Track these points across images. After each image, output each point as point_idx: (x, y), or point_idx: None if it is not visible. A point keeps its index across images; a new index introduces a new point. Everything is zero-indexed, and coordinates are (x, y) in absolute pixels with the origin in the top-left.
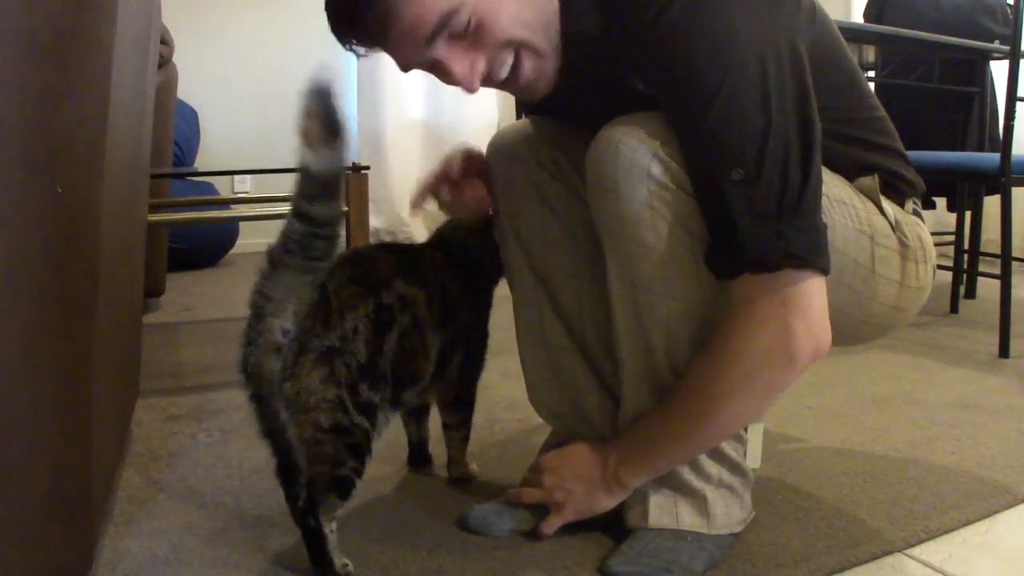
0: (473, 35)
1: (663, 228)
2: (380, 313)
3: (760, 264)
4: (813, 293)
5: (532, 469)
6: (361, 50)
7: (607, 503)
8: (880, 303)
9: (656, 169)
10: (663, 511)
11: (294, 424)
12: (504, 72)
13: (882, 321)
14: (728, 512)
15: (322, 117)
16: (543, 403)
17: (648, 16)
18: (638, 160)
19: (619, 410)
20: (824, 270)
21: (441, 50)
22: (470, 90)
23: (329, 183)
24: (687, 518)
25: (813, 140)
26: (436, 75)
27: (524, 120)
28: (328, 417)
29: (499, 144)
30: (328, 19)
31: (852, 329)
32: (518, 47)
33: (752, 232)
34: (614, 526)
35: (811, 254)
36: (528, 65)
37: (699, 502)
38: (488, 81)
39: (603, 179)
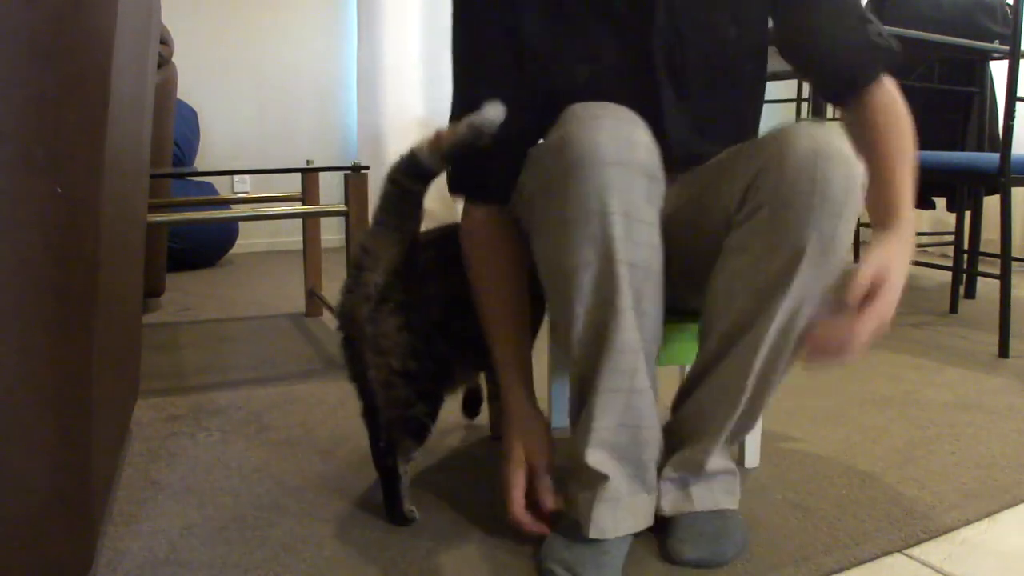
0: None
1: (848, 246)
2: (456, 287)
3: (892, 59)
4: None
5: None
6: None
7: (910, 248)
8: None
9: (863, 193)
10: (704, 494)
11: (373, 366)
12: None
13: None
14: (738, 489)
15: (462, 144)
16: (601, 450)
17: None
18: (856, 188)
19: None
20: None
21: None
22: None
23: (424, 174)
24: (722, 498)
25: None
26: None
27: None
28: (399, 361)
29: (614, 149)
30: None
31: None
32: None
33: (884, 42)
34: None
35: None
36: None
37: (728, 482)
38: None
39: (833, 202)
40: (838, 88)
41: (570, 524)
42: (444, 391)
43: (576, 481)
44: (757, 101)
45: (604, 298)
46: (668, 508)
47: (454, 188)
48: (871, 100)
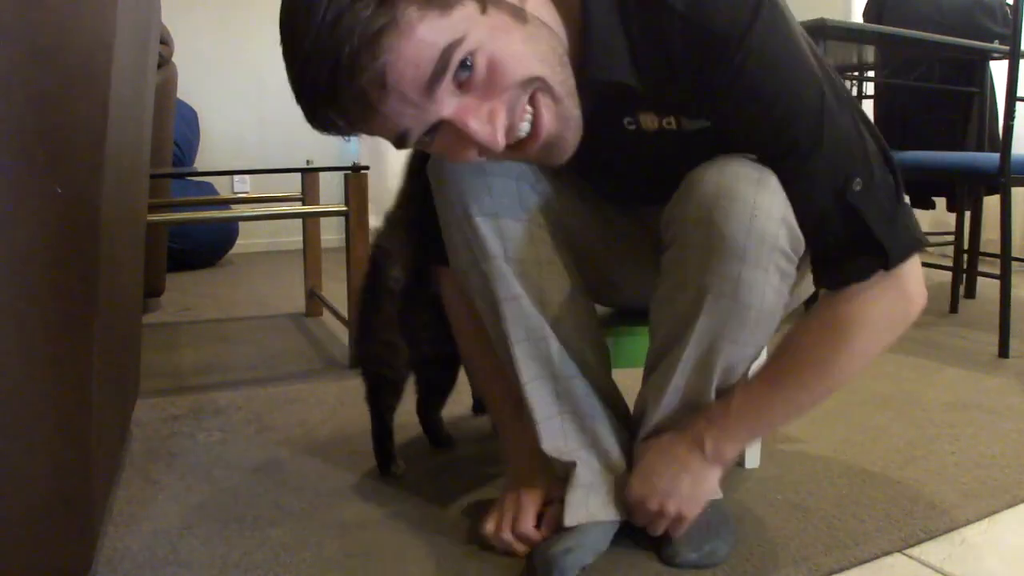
0: (485, 78)
1: (771, 291)
2: None
3: (897, 259)
4: (916, 259)
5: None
6: (344, 127)
7: (714, 483)
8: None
9: (783, 239)
10: None
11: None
12: (526, 123)
13: None
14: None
15: None
16: (555, 442)
17: (719, 60)
18: (770, 229)
19: (642, 417)
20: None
21: (449, 105)
22: (496, 147)
23: None
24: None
25: (876, 134)
26: (449, 147)
27: None
28: (428, 347)
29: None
30: (300, 98)
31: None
32: (536, 90)
33: (887, 233)
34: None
35: (920, 233)
36: (548, 113)
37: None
38: (509, 139)
39: (729, 241)
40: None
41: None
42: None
43: (553, 472)
44: None
45: (490, 294)
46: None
47: (425, 255)
48: (824, 309)
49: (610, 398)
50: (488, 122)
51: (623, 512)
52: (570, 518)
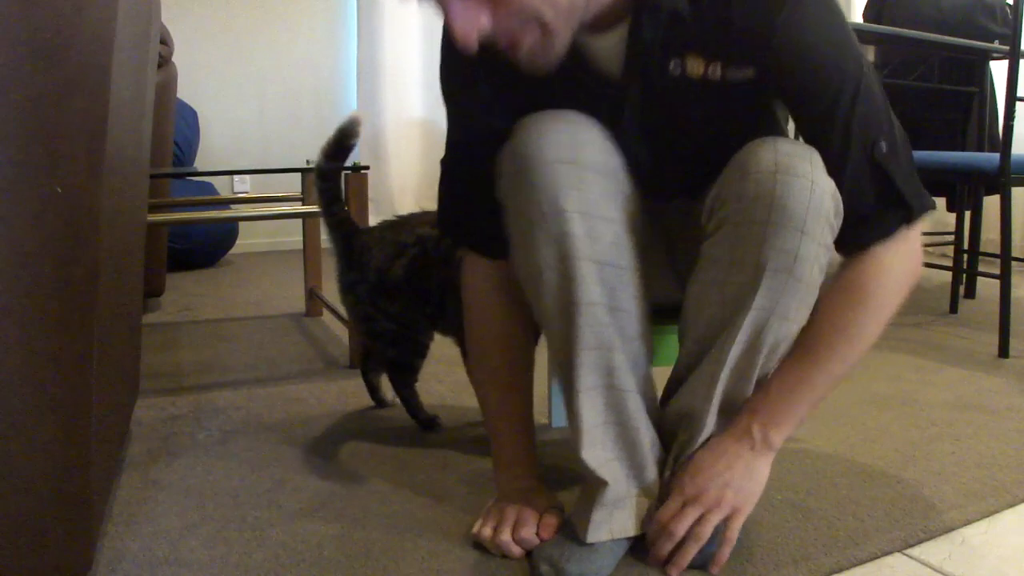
0: None
1: (818, 266)
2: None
3: (918, 215)
4: (917, 228)
5: (665, 512)
6: None
7: (766, 474)
8: None
9: (832, 213)
10: None
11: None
12: (504, 43)
13: None
14: None
15: (333, 143)
16: (595, 451)
17: (778, 9)
18: (825, 204)
19: (671, 407)
20: (927, 211)
21: None
22: (465, 47)
23: (321, 174)
24: None
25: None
26: (440, 12)
27: (561, 115)
28: (365, 327)
29: (561, 147)
30: None
31: None
32: (535, 23)
33: (910, 191)
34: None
35: (926, 200)
36: (532, 43)
37: None
38: (485, 38)
39: (791, 215)
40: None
41: (568, 525)
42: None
43: (585, 483)
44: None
45: (568, 296)
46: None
47: (447, 233)
48: (847, 272)
49: (653, 413)
50: (471, 25)
51: (641, 528)
52: (592, 535)
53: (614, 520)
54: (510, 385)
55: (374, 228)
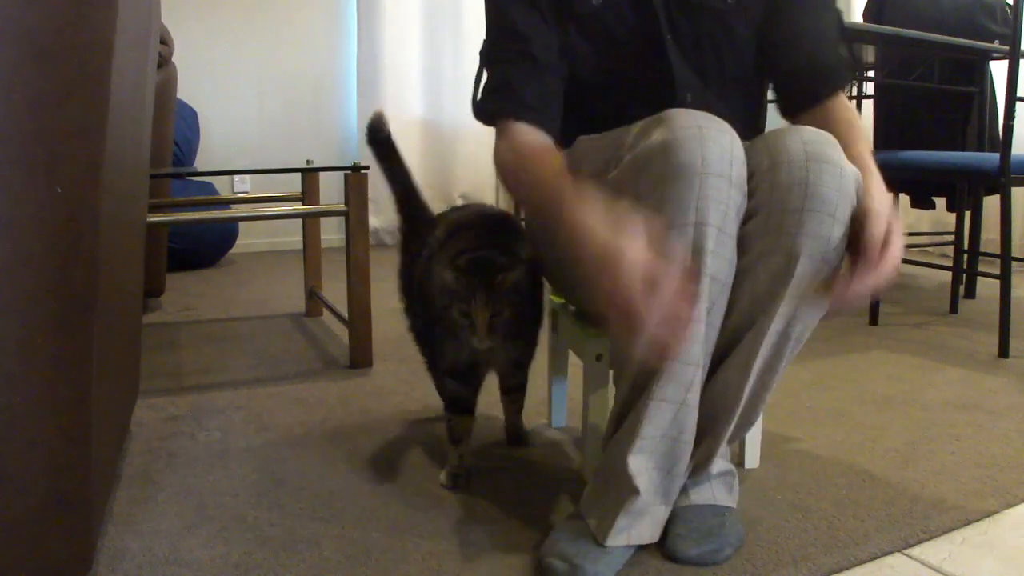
0: None
1: (843, 249)
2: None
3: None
4: None
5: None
6: None
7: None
8: None
9: (855, 197)
10: (701, 489)
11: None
12: None
13: None
14: (736, 489)
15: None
16: (643, 461)
17: None
18: (851, 189)
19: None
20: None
21: None
22: None
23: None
24: (719, 494)
25: None
26: None
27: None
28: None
29: (722, 161)
30: None
31: None
32: None
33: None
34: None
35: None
36: None
37: (727, 481)
38: None
39: (826, 203)
40: (802, 99)
41: (576, 522)
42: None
43: (603, 483)
44: (756, 89)
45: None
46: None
47: (487, 110)
48: (828, 112)
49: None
50: None
51: (657, 535)
52: (612, 539)
53: (635, 527)
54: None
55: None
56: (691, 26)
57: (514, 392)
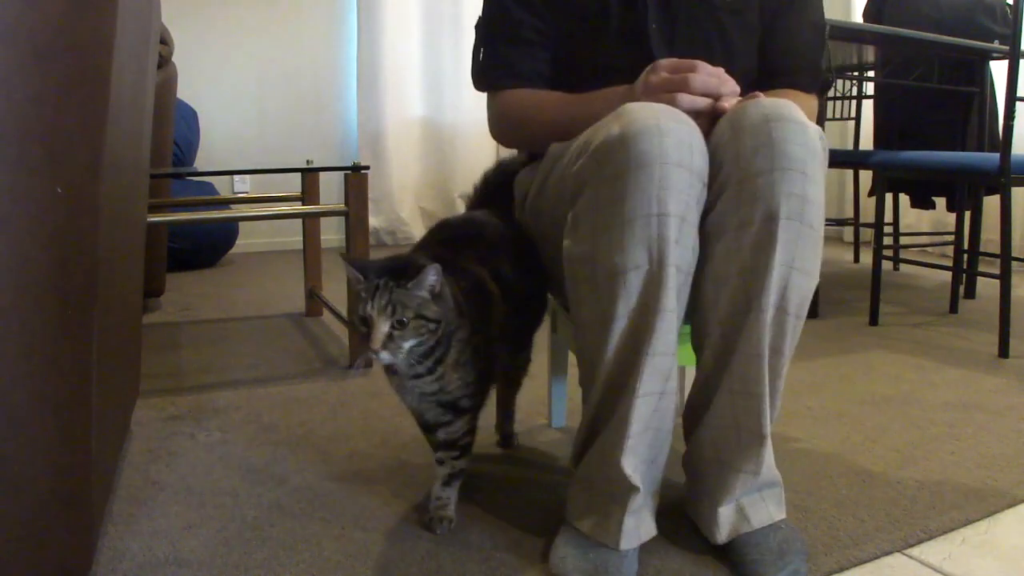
0: None
1: (822, 211)
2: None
3: (823, 89)
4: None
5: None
6: None
7: None
8: None
9: (822, 153)
10: (759, 510)
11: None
12: None
13: None
14: (783, 499)
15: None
16: (635, 459)
17: None
18: (817, 145)
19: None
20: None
21: None
22: None
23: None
24: (773, 510)
25: None
26: None
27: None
28: None
29: (681, 150)
30: None
31: None
32: None
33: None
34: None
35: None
36: None
37: (777, 493)
38: None
39: (794, 160)
40: (769, 79)
41: (572, 533)
42: None
43: (590, 490)
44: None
45: (650, 300)
46: (727, 534)
47: (486, 80)
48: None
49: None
50: None
51: (654, 529)
52: (625, 543)
53: (641, 525)
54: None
55: None
56: (686, 23)
57: (442, 449)
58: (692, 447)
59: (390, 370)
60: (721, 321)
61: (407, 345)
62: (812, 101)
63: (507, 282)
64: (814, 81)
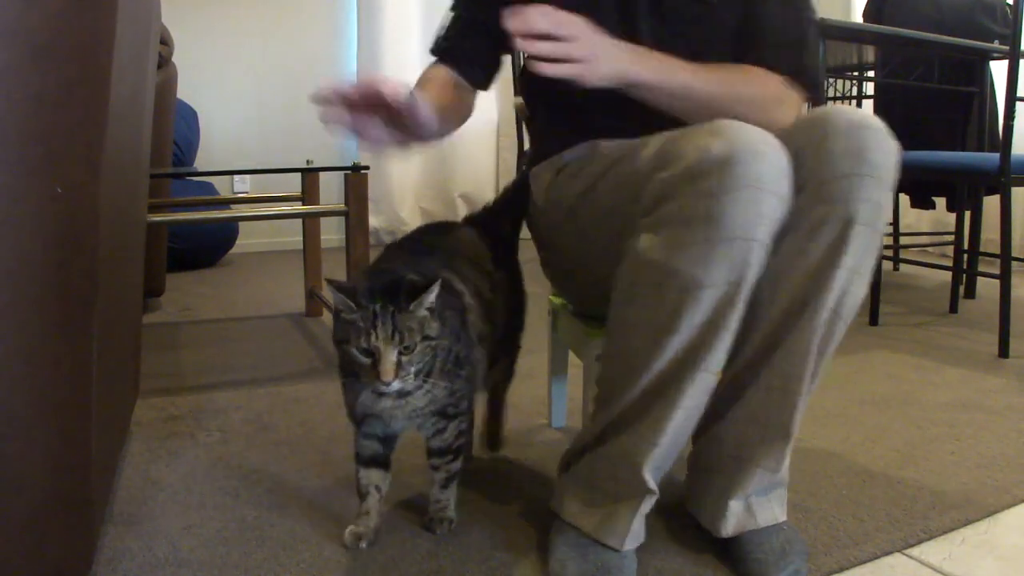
0: None
1: (887, 218)
2: None
3: (804, 82)
4: (800, 98)
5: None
6: None
7: (618, 66)
8: None
9: (896, 166)
10: (765, 509)
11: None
12: None
13: None
14: (785, 500)
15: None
16: (661, 469)
17: None
18: (895, 158)
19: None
20: (813, 97)
21: None
22: None
23: None
24: (778, 511)
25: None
26: None
27: None
28: None
29: (775, 178)
30: None
31: None
32: None
33: (812, 63)
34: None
35: (818, 85)
36: None
37: (781, 494)
38: None
39: (876, 167)
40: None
41: (571, 533)
42: None
43: (605, 489)
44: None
45: (717, 319)
46: (733, 528)
47: (435, 50)
48: (759, 71)
49: None
50: None
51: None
52: (630, 544)
53: (642, 527)
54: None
55: None
56: (670, 22)
57: (435, 456)
58: (706, 442)
59: (365, 404)
60: (773, 317)
61: (414, 369)
62: (781, 83)
63: (476, 286)
64: (787, 62)
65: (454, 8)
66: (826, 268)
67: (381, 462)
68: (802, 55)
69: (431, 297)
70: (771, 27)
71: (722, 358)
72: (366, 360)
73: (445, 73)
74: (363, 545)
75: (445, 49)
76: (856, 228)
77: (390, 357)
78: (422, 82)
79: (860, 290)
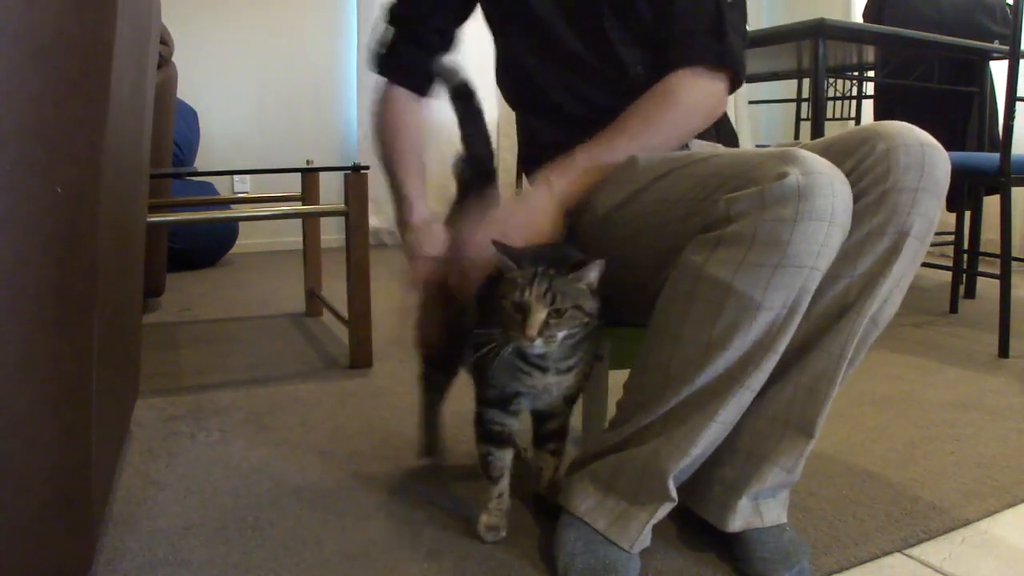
0: None
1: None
2: None
3: (731, 62)
4: (726, 82)
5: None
6: None
7: (549, 216)
8: None
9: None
10: (772, 509)
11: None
12: None
13: None
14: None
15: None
16: (681, 472)
17: None
18: (948, 180)
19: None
20: (739, 78)
21: None
22: None
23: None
24: (781, 511)
25: None
26: None
27: None
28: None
29: (844, 211)
30: None
31: None
32: None
33: (733, 41)
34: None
35: (743, 64)
36: None
37: (786, 496)
38: None
39: (938, 185)
40: (665, 66)
41: (582, 528)
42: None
43: (622, 491)
44: None
45: (768, 341)
46: (740, 525)
47: (376, 66)
48: (666, 82)
49: None
50: None
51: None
52: (639, 545)
53: (650, 531)
54: (413, 161)
55: None
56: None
57: (554, 440)
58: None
59: (523, 372)
60: (811, 318)
61: (561, 334)
62: (702, 77)
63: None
64: (706, 51)
65: (390, 22)
66: (876, 276)
67: (512, 442)
68: (722, 40)
69: (592, 274)
70: (683, 15)
71: (764, 378)
72: (517, 316)
73: (404, 99)
74: (500, 535)
75: (387, 63)
76: (909, 240)
77: (539, 315)
78: (398, 132)
79: (898, 300)
